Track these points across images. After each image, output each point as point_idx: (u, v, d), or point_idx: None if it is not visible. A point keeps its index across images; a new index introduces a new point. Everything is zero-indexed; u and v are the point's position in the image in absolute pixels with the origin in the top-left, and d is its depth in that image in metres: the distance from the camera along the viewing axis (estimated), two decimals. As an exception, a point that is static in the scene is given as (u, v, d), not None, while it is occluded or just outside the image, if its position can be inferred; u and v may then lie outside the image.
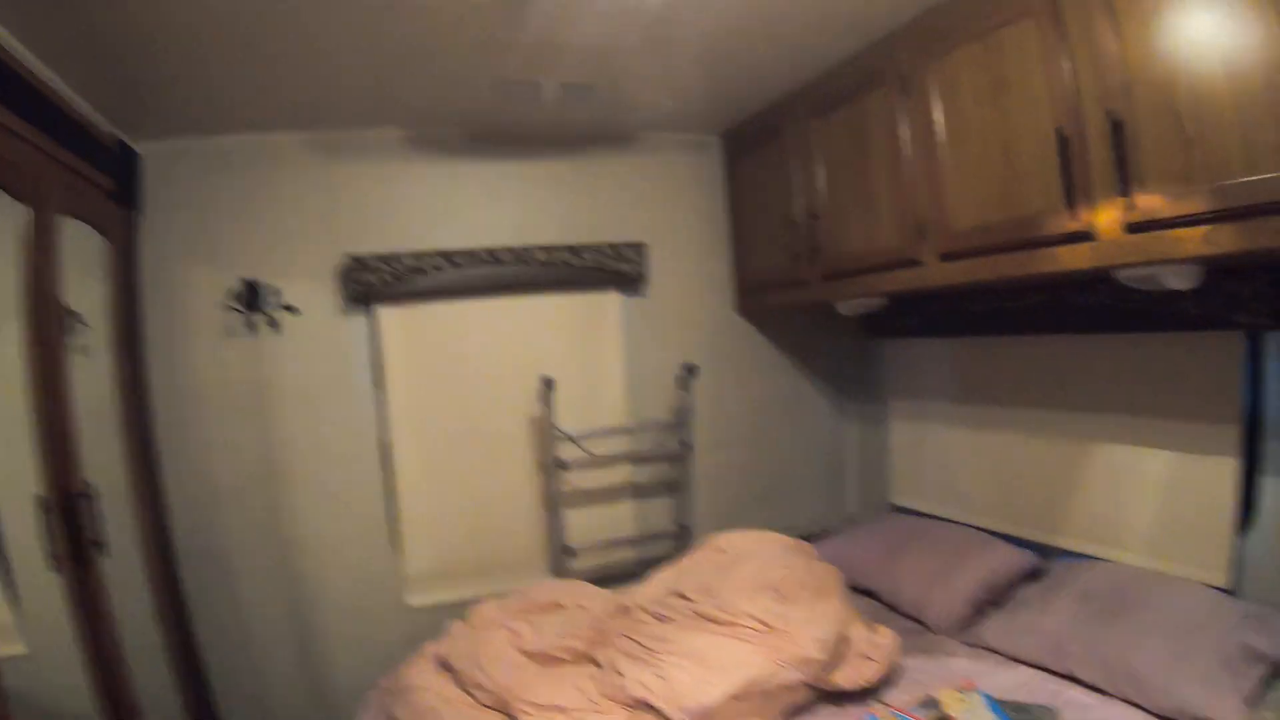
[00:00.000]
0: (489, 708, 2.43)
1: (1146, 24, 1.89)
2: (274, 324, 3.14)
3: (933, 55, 2.53)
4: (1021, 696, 2.30)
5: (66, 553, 2.09)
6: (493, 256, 3.34)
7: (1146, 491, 2.74)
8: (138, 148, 2.97)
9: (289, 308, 3.14)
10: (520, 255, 3.38)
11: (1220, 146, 1.78)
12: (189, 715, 2.85)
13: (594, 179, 3.63)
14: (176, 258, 3.06)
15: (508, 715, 2.37)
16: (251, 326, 3.12)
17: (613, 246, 3.55)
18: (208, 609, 3.09)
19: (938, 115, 2.55)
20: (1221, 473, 2.49)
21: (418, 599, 3.41)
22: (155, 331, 3.03)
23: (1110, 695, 2.25)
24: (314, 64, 2.59)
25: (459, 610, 3.03)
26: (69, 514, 2.12)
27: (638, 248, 3.62)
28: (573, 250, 3.46)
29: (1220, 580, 2.49)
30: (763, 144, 3.52)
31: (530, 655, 2.59)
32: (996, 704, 2.17)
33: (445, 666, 2.65)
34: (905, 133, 2.70)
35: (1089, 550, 2.93)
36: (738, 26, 2.56)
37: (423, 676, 2.59)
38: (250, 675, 3.18)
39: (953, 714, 2.15)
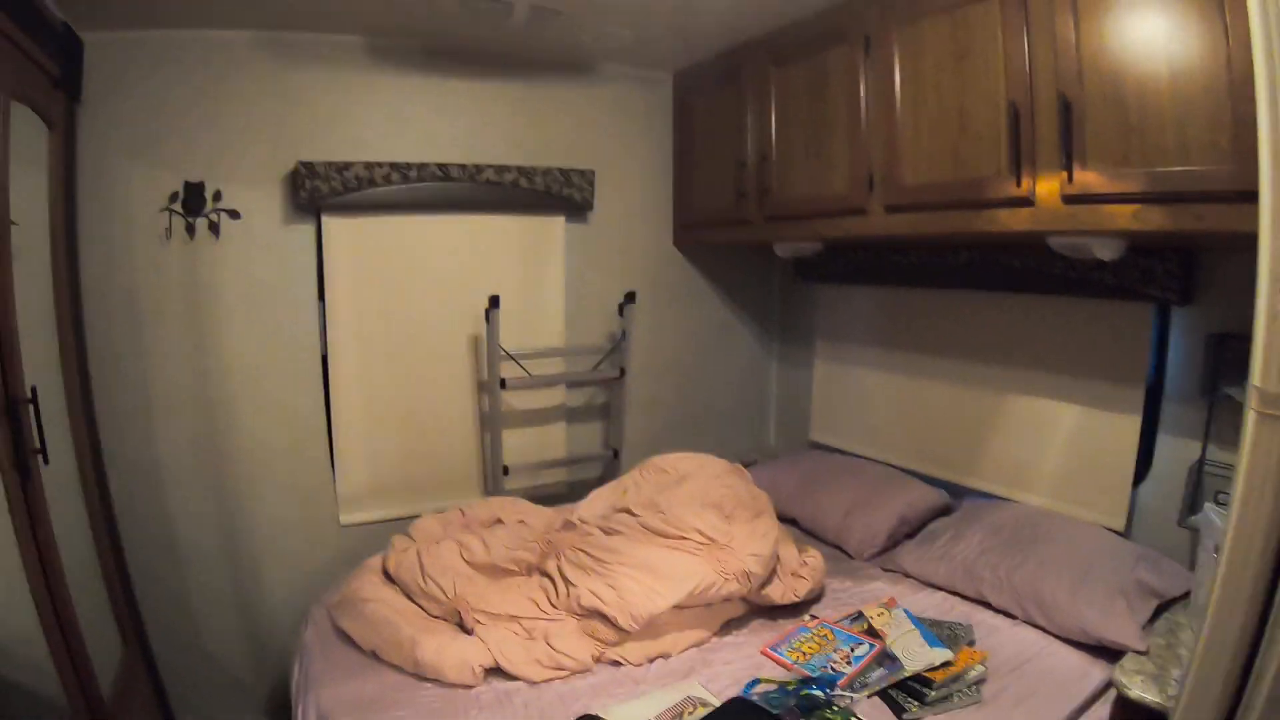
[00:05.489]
0: (440, 618, 2.64)
1: (1103, 18, 2.16)
2: (215, 229, 3.14)
3: (900, 21, 2.77)
4: (937, 616, 2.69)
5: (10, 461, 2.04)
6: (444, 172, 3.43)
7: (1055, 441, 3.12)
8: (83, 36, 2.84)
9: (232, 213, 3.15)
10: (471, 173, 3.48)
11: (1158, 137, 2.07)
12: (120, 631, 2.88)
13: (547, 104, 3.74)
14: (116, 155, 2.98)
15: (460, 625, 2.59)
16: (191, 231, 3.11)
17: (563, 172, 3.69)
18: (137, 523, 3.12)
19: (898, 77, 2.79)
20: (1125, 429, 2.86)
21: (350, 516, 3.54)
22: (90, 233, 2.96)
23: (1018, 619, 2.67)
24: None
25: (391, 529, 3.21)
26: (13, 421, 2.06)
27: (587, 174, 3.77)
28: (524, 172, 3.59)
29: (1118, 525, 2.90)
30: (718, 86, 3.72)
31: (478, 567, 2.79)
32: (917, 620, 2.55)
33: (391, 579, 2.83)
34: (864, 90, 2.94)
35: (998, 491, 3.32)
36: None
37: (372, 589, 2.75)
38: (179, 592, 3.24)
39: (878, 626, 2.51)
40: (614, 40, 3.46)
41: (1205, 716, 1.42)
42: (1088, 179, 2.25)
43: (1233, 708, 1.40)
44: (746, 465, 3.43)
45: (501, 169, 3.54)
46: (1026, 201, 2.42)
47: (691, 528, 2.78)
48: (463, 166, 3.47)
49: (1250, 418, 1.31)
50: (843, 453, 4.10)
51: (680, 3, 3.05)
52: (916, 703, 2.23)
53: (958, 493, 3.48)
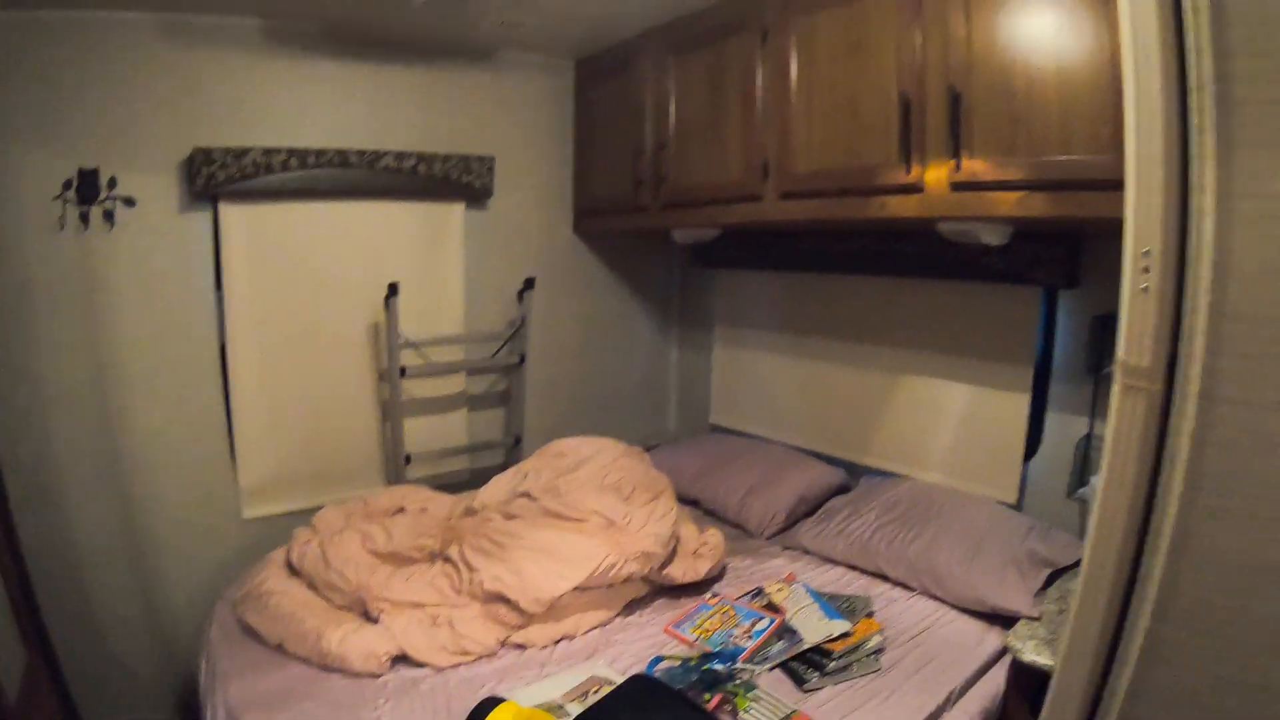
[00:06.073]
0: (344, 609, 2.63)
1: (994, 14, 2.26)
2: (110, 217, 3.04)
3: (796, 12, 2.83)
4: (836, 590, 2.78)
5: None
6: (343, 158, 3.39)
7: (949, 420, 3.24)
8: (-27, 16, 2.74)
9: (127, 200, 3.06)
10: (370, 160, 3.45)
11: (1042, 128, 2.18)
12: (22, 637, 2.75)
13: (449, 90, 3.73)
14: (8, 141, 2.85)
15: (365, 615, 2.59)
16: (86, 220, 3.01)
17: (463, 158, 3.69)
18: (35, 525, 2.95)
19: (794, 67, 2.86)
20: (1015, 407, 2.99)
21: (253, 510, 3.47)
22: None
23: (915, 591, 2.78)
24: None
25: (295, 521, 3.18)
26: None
27: (487, 161, 3.77)
28: (423, 159, 3.57)
29: (1010, 499, 3.03)
30: (618, 73, 3.75)
31: (382, 556, 2.79)
32: (817, 594, 2.64)
33: (295, 572, 2.81)
34: (760, 79, 3.00)
35: (895, 469, 3.44)
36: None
37: (276, 582, 2.73)
38: (81, 594, 3.14)
39: (778, 601, 2.59)
40: (515, 27, 3.46)
41: (1083, 671, 1.51)
42: (975, 167, 2.35)
43: (1108, 664, 1.49)
44: (647, 449, 3.49)
45: (401, 155, 3.52)
46: (916, 189, 2.51)
47: (590, 510, 2.83)
48: (362, 153, 3.43)
49: (1116, 390, 1.40)
50: (743, 435, 4.19)
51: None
52: (817, 673, 2.30)
53: (856, 471, 3.60)
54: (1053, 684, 1.59)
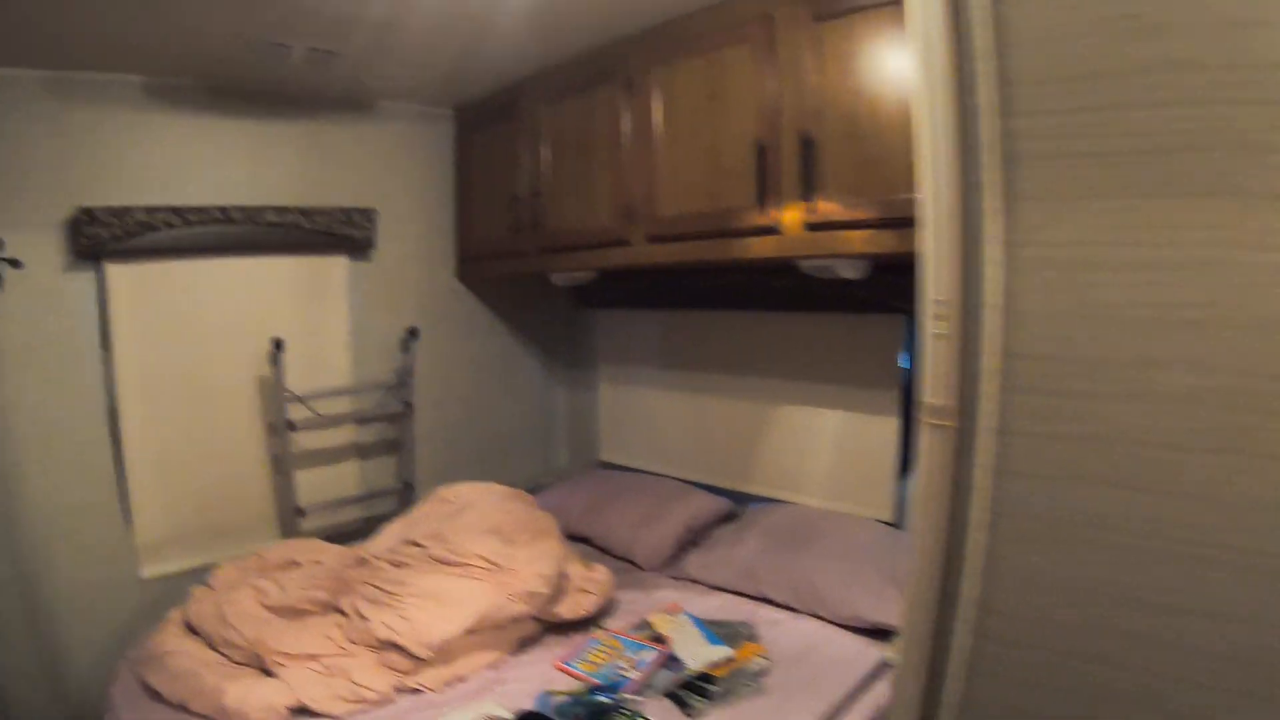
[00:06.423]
0: (243, 664, 2.64)
1: (844, 63, 2.40)
2: None
3: (660, 62, 2.96)
4: (722, 617, 2.86)
5: None
6: (225, 215, 3.40)
7: (825, 445, 3.38)
8: None
9: (13, 262, 3.01)
10: (252, 215, 3.46)
11: (889, 168, 2.31)
12: None
13: (330, 143, 3.76)
14: None
15: (262, 669, 2.60)
16: None
17: (344, 211, 3.72)
18: None
19: (657, 115, 2.99)
20: (885, 429, 3.14)
21: (152, 569, 3.44)
22: None
23: (799, 611, 2.89)
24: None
25: (193, 578, 3.15)
26: None
27: (368, 213, 3.82)
28: (304, 213, 3.60)
29: (888, 517, 3.17)
30: (495, 122, 3.84)
31: (276, 610, 2.80)
32: (700, 622, 2.73)
33: (193, 630, 2.81)
34: (626, 127, 3.12)
35: (777, 495, 3.57)
36: (478, 13, 2.78)
37: (174, 641, 2.72)
38: None
39: (663, 632, 2.68)
40: (393, 80, 3.54)
41: (916, 688, 1.62)
42: (827, 208, 2.48)
43: (939, 680, 1.61)
44: (536, 488, 3.53)
45: (282, 210, 3.54)
46: (773, 230, 2.64)
47: (474, 554, 2.89)
48: (243, 209, 3.45)
49: (922, 428, 1.51)
50: (631, 470, 4.29)
51: (457, 46, 3.13)
52: (701, 699, 2.38)
53: (742, 500, 3.69)
54: (890, 703, 1.70)
